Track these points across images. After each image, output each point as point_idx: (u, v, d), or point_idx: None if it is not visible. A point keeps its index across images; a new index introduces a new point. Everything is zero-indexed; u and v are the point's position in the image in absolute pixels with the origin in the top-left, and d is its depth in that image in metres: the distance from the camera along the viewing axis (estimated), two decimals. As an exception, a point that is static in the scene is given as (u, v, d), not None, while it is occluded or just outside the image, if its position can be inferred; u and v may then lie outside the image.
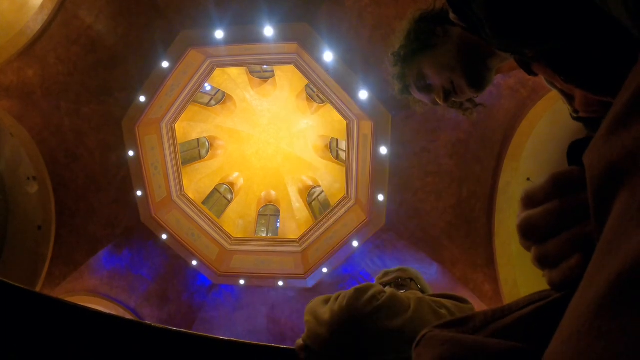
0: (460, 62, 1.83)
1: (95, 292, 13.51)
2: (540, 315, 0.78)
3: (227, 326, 14.29)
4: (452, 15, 1.39)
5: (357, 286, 1.80)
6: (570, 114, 1.43)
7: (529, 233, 0.68)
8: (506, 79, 9.84)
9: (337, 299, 1.79)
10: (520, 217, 0.69)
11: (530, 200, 0.71)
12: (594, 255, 0.51)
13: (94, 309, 2.10)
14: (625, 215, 0.47)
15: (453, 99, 1.97)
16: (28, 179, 12.63)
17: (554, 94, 1.39)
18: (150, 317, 13.90)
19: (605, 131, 0.57)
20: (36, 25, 10.84)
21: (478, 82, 1.83)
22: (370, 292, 1.75)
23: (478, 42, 1.67)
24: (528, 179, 10.89)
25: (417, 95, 2.10)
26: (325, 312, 1.78)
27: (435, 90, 1.98)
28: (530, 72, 1.35)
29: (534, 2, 1.04)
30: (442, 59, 1.88)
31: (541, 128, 10.25)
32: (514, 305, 0.86)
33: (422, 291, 2.33)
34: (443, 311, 1.82)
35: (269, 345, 2.05)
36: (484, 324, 0.88)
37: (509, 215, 11.31)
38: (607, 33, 0.97)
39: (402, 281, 2.37)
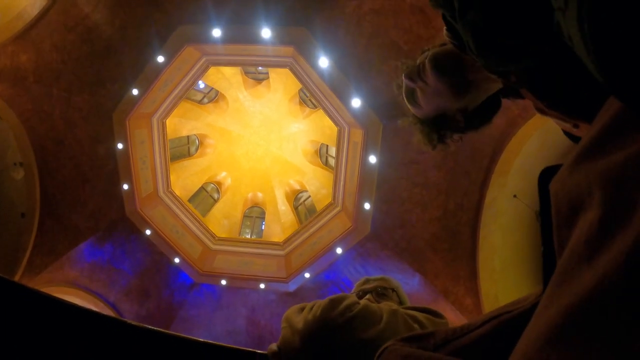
0: (437, 47, 1.81)
1: (75, 284, 13.40)
2: (496, 335, 0.80)
3: (207, 326, 14.23)
4: (445, 33, 1.40)
5: (332, 297, 1.81)
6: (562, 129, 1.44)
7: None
8: (499, 95, 9.90)
9: (311, 308, 1.80)
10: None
11: None
12: (549, 284, 0.53)
13: (66, 301, 2.07)
14: (574, 250, 0.49)
15: (418, 80, 1.90)
16: (15, 164, 12.50)
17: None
18: (129, 313, 13.81)
19: (572, 162, 0.58)
20: (34, 10, 10.77)
21: (441, 63, 1.77)
22: (345, 303, 1.76)
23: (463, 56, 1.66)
24: (515, 196, 10.95)
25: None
26: (299, 321, 1.78)
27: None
28: (518, 95, 1.36)
29: (512, 22, 1.05)
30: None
31: (530, 146, 10.33)
32: (473, 324, 0.88)
33: (401, 302, 2.34)
34: (415, 325, 1.83)
35: (241, 349, 2.04)
36: (444, 342, 0.89)
37: (493, 230, 11.38)
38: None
39: (383, 290, 2.37)
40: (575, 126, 1.29)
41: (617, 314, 0.41)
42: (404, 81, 1.94)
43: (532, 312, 0.59)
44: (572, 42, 0.69)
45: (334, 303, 1.76)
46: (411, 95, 1.95)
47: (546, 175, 0.84)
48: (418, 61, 1.89)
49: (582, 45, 0.63)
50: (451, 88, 1.80)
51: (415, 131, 2.03)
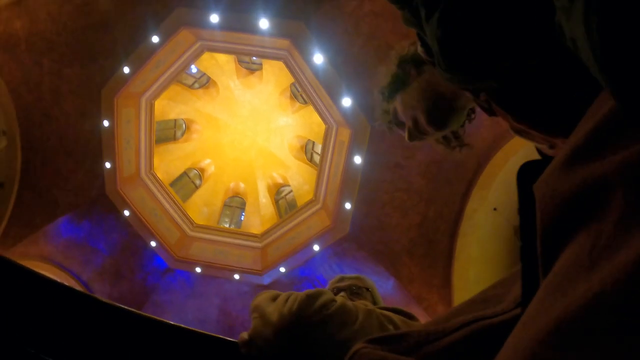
0: (422, 101, 1.94)
1: (49, 259, 13.21)
2: (472, 341, 0.79)
3: (178, 312, 14.14)
4: (419, 49, 1.39)
5: (309, 291, 1.79)
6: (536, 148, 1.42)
7: None
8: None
9: (286, 300, 1.78)
10: None
11: None
12: (539, 290, 0.50)
13: (41, 274, 2.06)
14: (578, 259, 0.46)
15: (423, 137, 2.06)
16: (-2, 132, 12.27)
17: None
18: (101, 293, 13.65)
19: (563, 162, 0.55)
20: (31, -22, 10.58)
21: (438, 120, 1.94)
22: (321, 300, 1.74)
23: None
24: (494, 209, 11.03)
25: (397, 130, 2.22)
26: (273, 313, 1.75)
27: (405, 128, 2.09)
28: (492, 113, 1.34)
29: (484, 28, 0.99)
30: (408, 98, 2.00)
31: (514, 161, 10.39)
32: (447, 327, 0.85)
33: (375, 303, 2.34)
34: (390, 326, 1.82)
35: (210, 335, 2.03)
36: (417, 345, 0.87)
37: (471, 241, 11.45)
38: (559, 70, 0.94)
39: (357, 289, 2.38)
40: (552, 146, 1.26)
41: (608, 331, 0.38)
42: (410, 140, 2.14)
43: (513, 321, 0.57)
44: (576, 44, 0.62)
45: (311, 299, 1.73)
46: (419, 138, 2.13)
47: (527, 172, 0.78)
48: (404, 117, 2.08)
49: (587, 45, 0.56)
50: (451, 126, 2.03)
51: (434, 144, 2.24)
